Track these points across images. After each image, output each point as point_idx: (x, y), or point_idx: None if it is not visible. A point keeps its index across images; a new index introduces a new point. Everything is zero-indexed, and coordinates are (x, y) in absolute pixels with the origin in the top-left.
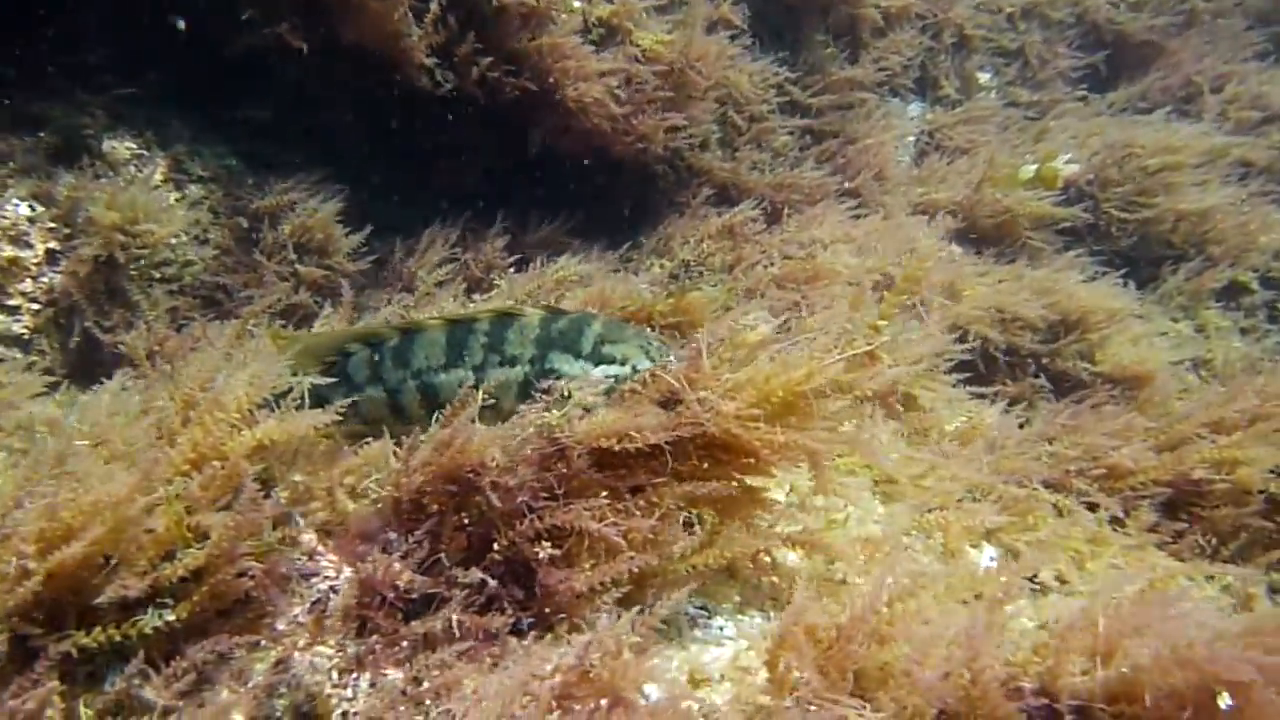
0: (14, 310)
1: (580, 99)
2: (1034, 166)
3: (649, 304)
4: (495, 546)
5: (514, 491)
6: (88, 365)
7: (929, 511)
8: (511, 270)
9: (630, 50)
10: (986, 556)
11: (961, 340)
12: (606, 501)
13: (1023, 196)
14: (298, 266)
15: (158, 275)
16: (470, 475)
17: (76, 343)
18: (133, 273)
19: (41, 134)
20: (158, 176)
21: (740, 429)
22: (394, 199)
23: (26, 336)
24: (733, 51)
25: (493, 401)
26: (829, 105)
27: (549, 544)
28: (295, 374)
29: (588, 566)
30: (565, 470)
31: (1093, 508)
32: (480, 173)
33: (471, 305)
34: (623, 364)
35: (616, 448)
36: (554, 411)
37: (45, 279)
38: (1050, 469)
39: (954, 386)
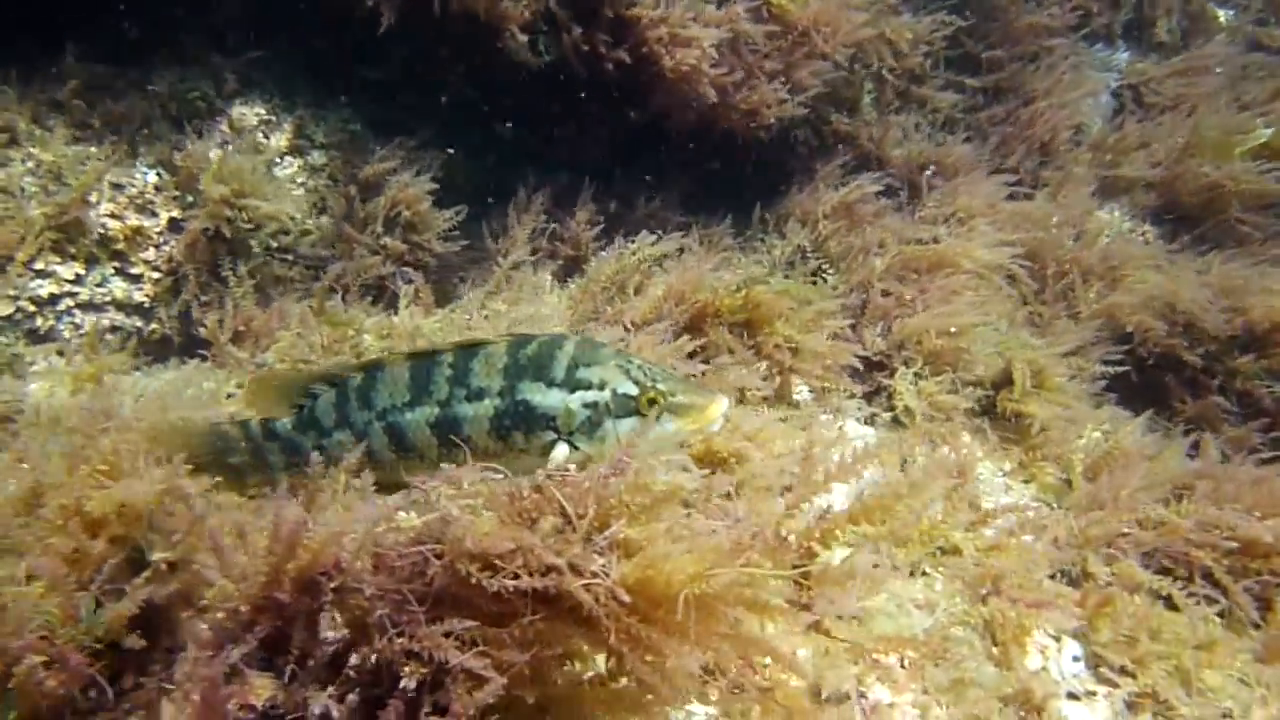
0: (136, 279)
1: (678, 68)
2: (1268, 131)
3: (714, 299)
4: (352, 661)
5: (372, 602)
6: (195, 339)
7: (983, 596)
8: (601, 249)
9: (739, 9)
10: (1068, 656)
11: (1116, 340)
12: (477, 625)
13: (1241, 169)
14: (385, 240)
15: (274, 244)
16: (321, 578)
17: (181, 315)
18: (251, 245)
19: (172, 98)
20: (282, 143)
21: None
22: (511, 167)
23: (147, 305)
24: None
25: (465, 438)
26: (1007, 58)
27: (418, 664)
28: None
29: (462, 692)
30: (434, 582)
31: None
32: (604, 144)
33: (561, 290)
34: (600, 389)
35: (481, 578)
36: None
37: (166, 247)
38: (1162, 537)
39: (1094, 396)
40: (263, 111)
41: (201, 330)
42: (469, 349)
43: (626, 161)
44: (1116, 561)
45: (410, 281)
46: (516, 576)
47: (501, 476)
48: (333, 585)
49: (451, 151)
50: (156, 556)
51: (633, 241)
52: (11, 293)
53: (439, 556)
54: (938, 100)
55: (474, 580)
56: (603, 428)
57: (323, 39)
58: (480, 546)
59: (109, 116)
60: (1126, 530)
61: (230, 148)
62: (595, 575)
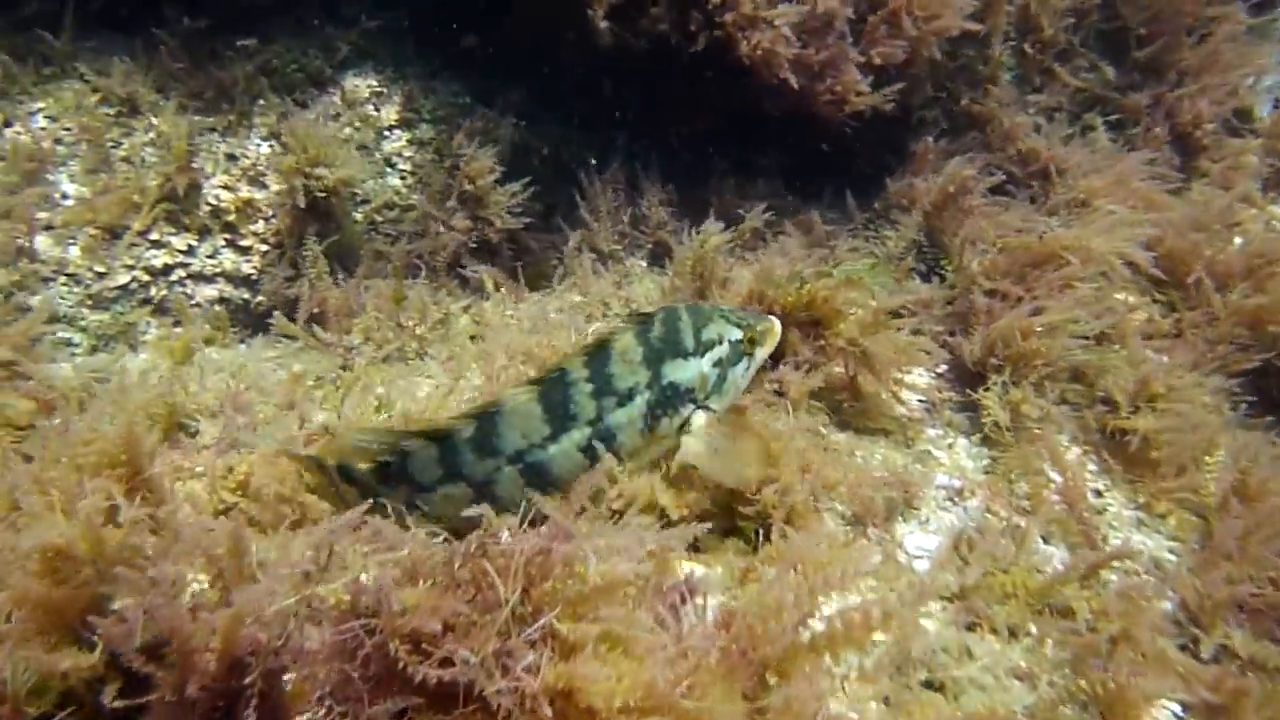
0: (245, 251)
1: (753, 52)
2: None
3: (776, 294)
4: None
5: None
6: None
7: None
8: (677, 236)
9: None
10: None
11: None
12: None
13: None
14: (455, 219)
15: (379, 219)
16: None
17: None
18: (355, 219)
19: (286, 68)
20: (392, 115)
21: None
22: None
23: (255, 277)
24: None
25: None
26: (1164, 30)
27: None
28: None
29: None
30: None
31: None
32: (711, 124)
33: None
34: (720, 344)
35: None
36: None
37: (275, 220)
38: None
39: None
40: (374, 83)
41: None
42: (595, 355)
43: (725, 140)
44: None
45: (478, 268)
46: (448, 663)
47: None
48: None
49: (518, 123)
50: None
51: (708, 228)
52: (129, 262)
53: (371, 633)
54: (1084, 80)
55: (402, 665)
56: (727, 381)
57: (437, 8)
58: (409, 625)
59: (222, 86)
60: (1257, 590)
61: (341, 119)
62: (518, 677)
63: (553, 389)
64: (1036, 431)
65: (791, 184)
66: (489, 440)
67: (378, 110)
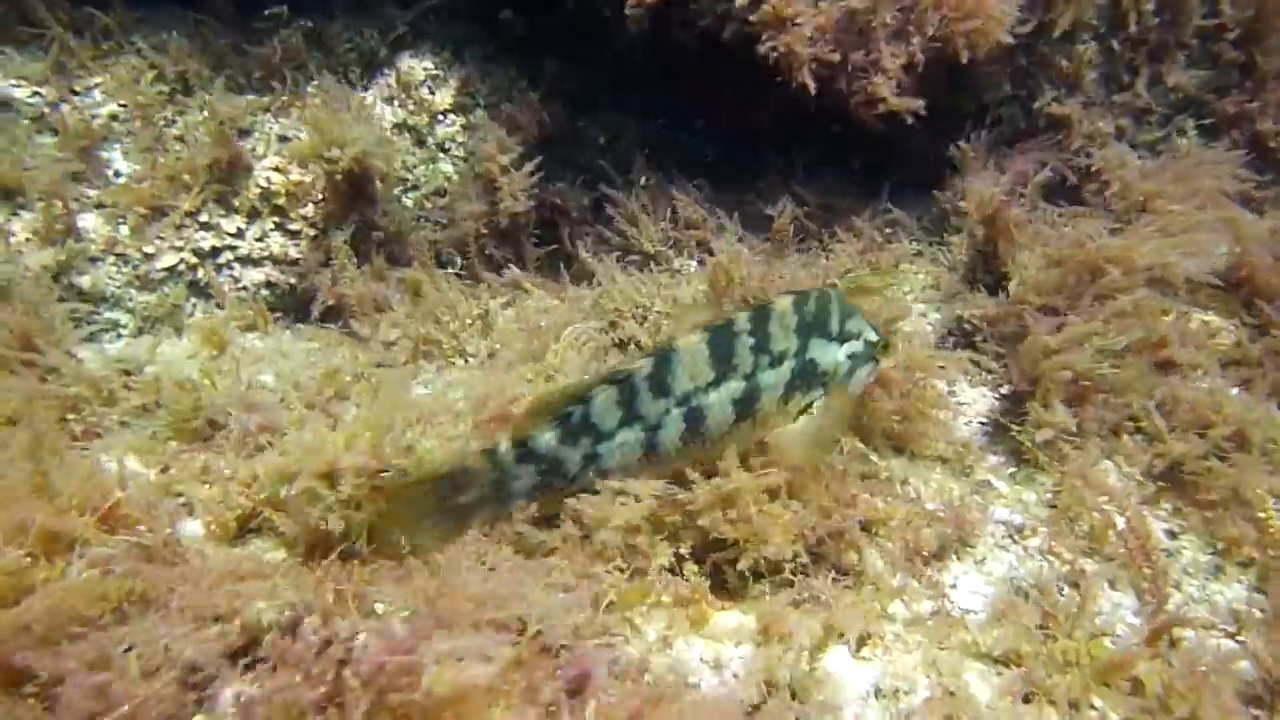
0: (294, 234)
1: (771, 53)
2: None
3: None
4: None
5: None
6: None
7: None
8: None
9: None
10: None
11: None
12: None
13: None
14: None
15: (429, 205)
16: None
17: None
18: (405, 205)
19: (343, 48)
20: (447, 99)
21: None
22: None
23: (302, 261)
24: None
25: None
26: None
27: None
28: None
29: None
30: None
31: None
32: (768, 120)
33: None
34: (858, 338)
35: None
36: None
37: (324, 204)
38: None
39: None
40: (430, 65)
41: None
42: (759, 311)
43: (782, 135)
44: None
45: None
46: None
47: None
48: None
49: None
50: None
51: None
52: (179, 243)
53: None
54: (1179, 80)
55: None
56: (855, 376)
57: None
58: None
59: (271, 65)
60: None
61: (395, 102)
62: None
63: (720, 335)
64: (1076, 458)
65: (851, 181)
66: (664, 379)
67: (433, 93)
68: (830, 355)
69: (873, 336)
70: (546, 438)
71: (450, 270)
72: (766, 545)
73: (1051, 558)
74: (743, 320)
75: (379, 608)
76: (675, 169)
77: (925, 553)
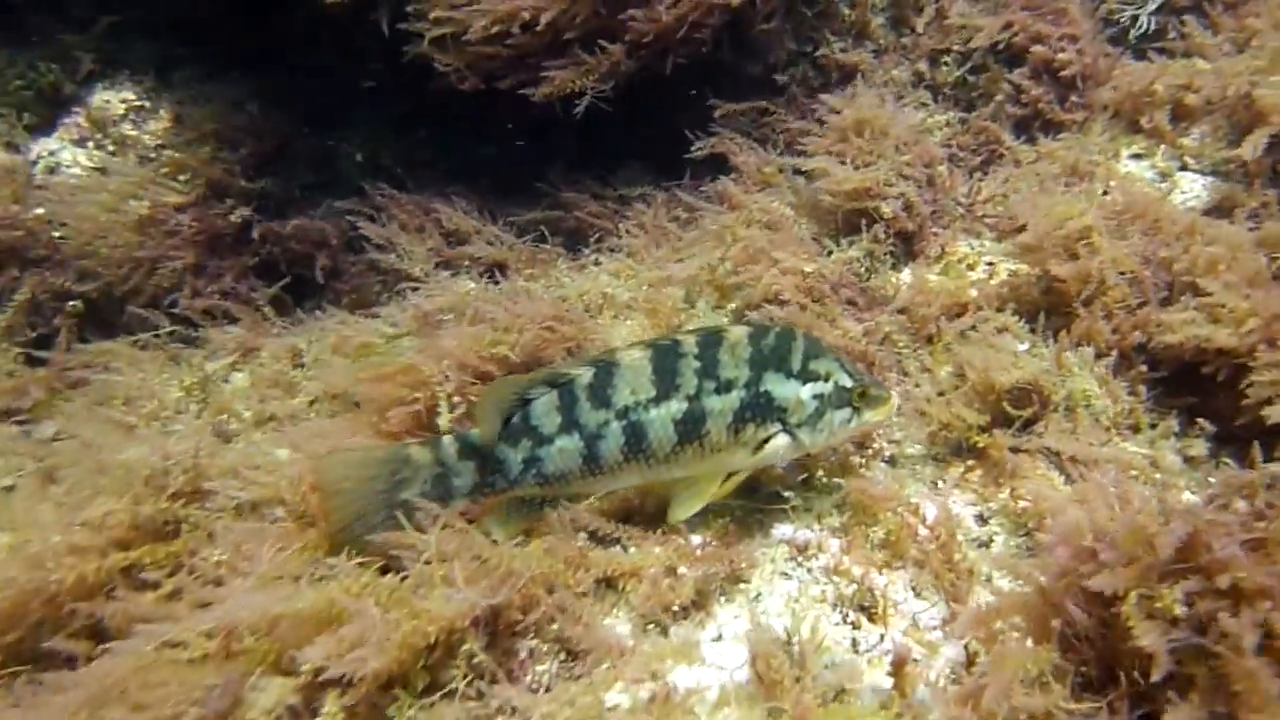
0: None
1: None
2: None
3: None
4: None
5: None
6: None
7: None
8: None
9: None
10: None
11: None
12: None
13: None
14: None
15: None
16: None
17: None
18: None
19: (13, 88)
20: (159, 131)
21: None
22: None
23: None
24: None
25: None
26: None
27: None
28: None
29: None
30: None
31: None
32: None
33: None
34: (826, 380)
35: None
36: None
37: None
38: None
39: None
40: (132, 95)
41: None
42: (707, 336)
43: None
44: None
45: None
46: None
47: None
48: None
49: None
50: None
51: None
52: None
53: None
54: (962, 10)
55: None
56: (824, 419)
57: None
58: None
59: None
60: None
61: (90, 144)
62: None
63: (664, 354)
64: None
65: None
66: (604, 390)
67: (138, 128)
68: (788, 391)
69: (846, 381)
70: (485, 436)
71: (159, 332)
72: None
73: (838, 578)
74: (690, 343)
75: None
76: (450, 179)
77: (677, 605)
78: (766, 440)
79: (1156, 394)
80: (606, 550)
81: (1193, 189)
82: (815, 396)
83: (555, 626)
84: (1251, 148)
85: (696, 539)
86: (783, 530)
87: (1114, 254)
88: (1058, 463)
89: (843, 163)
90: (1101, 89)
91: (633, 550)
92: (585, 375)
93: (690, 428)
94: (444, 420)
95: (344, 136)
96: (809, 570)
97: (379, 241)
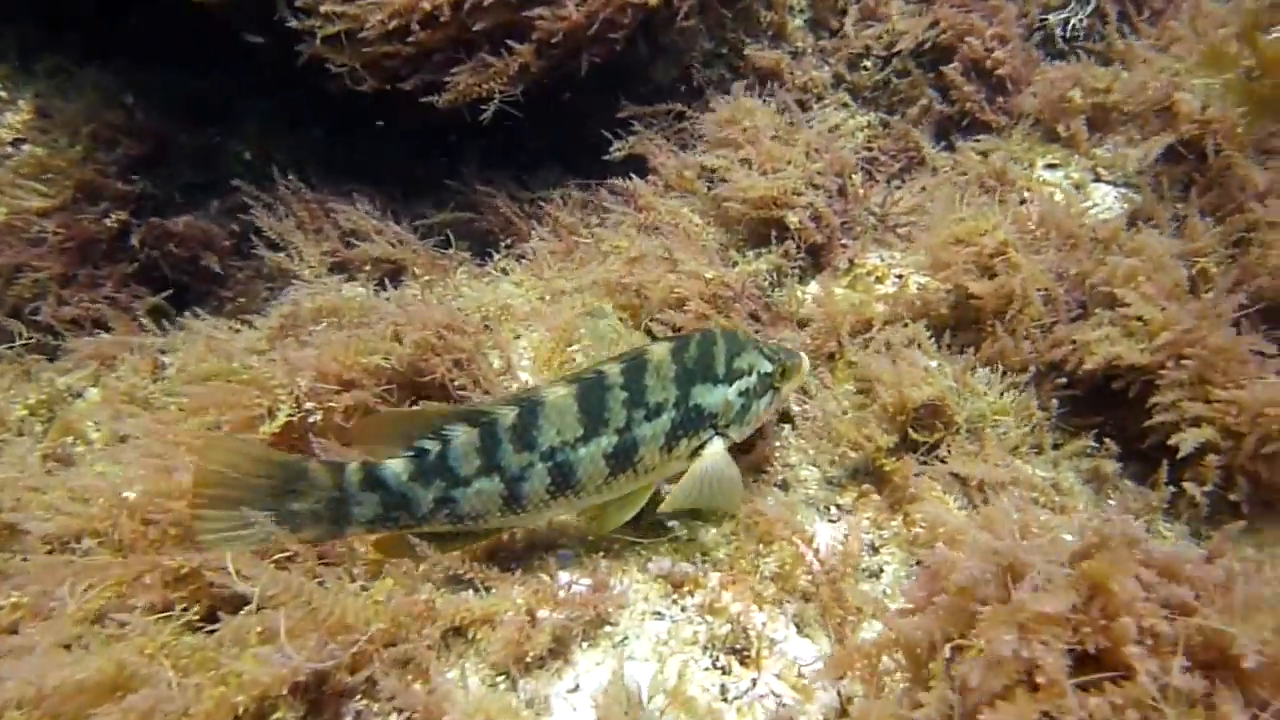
0: None
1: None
2: None
3: None
4: None
5: None
6: None
7: None
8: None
9: None
10: None
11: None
12: None
13: None
14: None
15: None
16: None
17: None
18: None
19: None
20: (17, 124)
21: None
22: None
23: None
24: None
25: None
26: None
27: None
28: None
29: None
30: None
31: None
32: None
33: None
34: (750, 374)
35: None
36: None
37: None
38: None
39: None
40: None
41: None
42: (632, 363)
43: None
44: None
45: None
46: None
47: None
48: None
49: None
50: None
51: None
52: None
53: None
54: (895, 22)
55: None
56: (750, 411)
57: None
58: None
59: None
60: None
61: None
62: None
63: (589, 389)
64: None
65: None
66: (528, 432)
67: None
68: (716, 397)
69: (766, 367)
70: (397, 470)
71: (13, 344)
72: None
73: (712, 617)
74: (615, 373)
75: None
76: (353, 177)
77: (531, 656)
78: (700, 447)
79: (1069, 411)
80: (456, 595)
81: (1105, 200)
82: (741, 394)
83: (388, 686)
84: (1143, 153)
85: (565, 576)
86: (660, 564)
87: (1030, 270)
88: (956, 485)
89: (748, 165)
90: (1024, 95)
91: (490, 593)
92: (508, 415)
93: (622, 459)
94: (272, 426)
95: (230, 132)
96: (683, 609)
97: (272, 237)
